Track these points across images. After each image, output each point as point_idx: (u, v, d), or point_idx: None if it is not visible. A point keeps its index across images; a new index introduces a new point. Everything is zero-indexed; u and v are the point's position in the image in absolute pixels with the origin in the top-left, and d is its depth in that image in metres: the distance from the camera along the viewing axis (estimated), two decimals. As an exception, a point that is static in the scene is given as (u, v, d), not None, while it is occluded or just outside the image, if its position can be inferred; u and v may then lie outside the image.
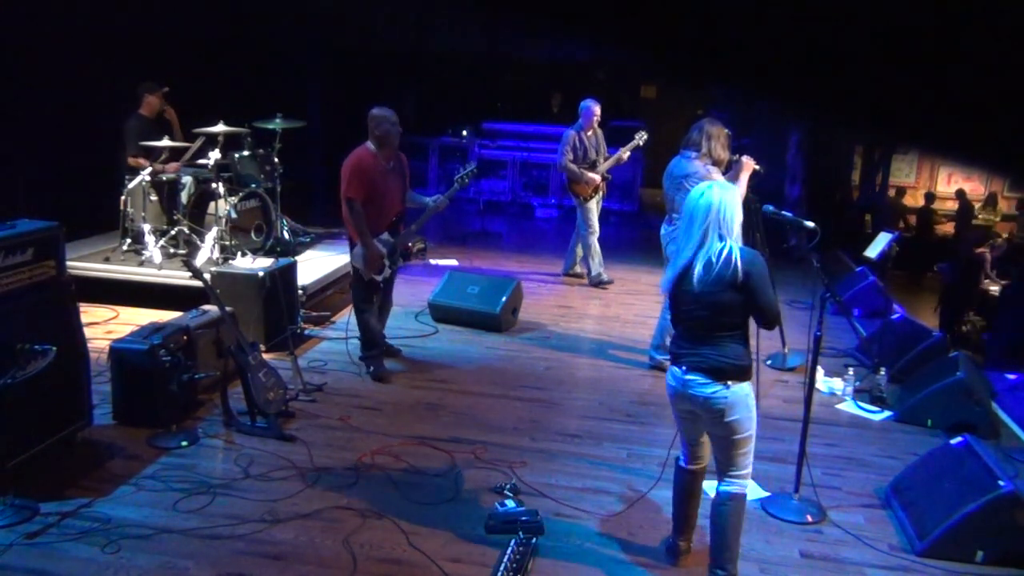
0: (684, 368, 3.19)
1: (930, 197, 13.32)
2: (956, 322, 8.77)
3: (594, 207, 7.89)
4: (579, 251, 8.23)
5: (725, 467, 3.27)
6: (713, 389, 3.12)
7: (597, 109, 7.78)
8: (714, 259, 3.08)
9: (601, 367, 5.97)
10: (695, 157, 5.09)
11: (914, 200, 13.88)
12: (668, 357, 3.53)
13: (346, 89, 11.27)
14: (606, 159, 7.92)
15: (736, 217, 3.13)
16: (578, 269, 8.36)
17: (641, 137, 7.89)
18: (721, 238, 3.10)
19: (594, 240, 7.98)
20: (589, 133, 7.80)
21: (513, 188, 12.44)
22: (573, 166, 7.73)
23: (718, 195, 3.12)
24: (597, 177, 7.80)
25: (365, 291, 5.47)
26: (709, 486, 3.98)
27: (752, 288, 3.08)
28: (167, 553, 3.41)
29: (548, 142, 12.45)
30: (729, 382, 3.12)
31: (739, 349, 3.16)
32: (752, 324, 3.23)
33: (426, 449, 4.48)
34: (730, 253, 3.08)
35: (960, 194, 13.19)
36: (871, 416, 5.25)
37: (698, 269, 3.10)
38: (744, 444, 3.21)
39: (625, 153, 7.93)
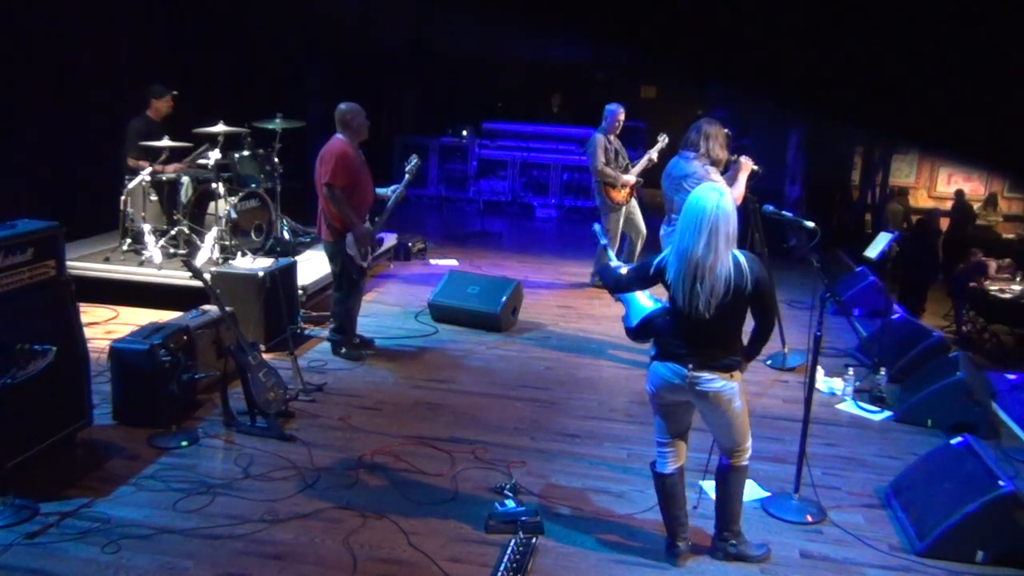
0: (691, 366, 3.28)
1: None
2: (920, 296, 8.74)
3: (621, 216, 7.67)
4: (636, 250, 7.92)
5: (732, 449, 3.46)
6: (721, 384, 3.28)
7: (622, 115, 7.62)
8: (731, 273, 3.16)
9: (601, 367, 5.97)
10: (693, 158, 5.09)
11: (914, 200, 13.85)
12: None
13: (346, 89, 11.26)
14: (631, 164, 7.74)
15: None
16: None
17: (664, 140, 7.74)
18: (731, 253, 3.19)
19: (615, 248, 7.86)
20: (612, 137, 7.65)
21: (513, 188, 12.44)
22: (609, 169, 7.52)
23: (727, 208, 3.17)
24: (632, 179, 7.61)
25: (352, 282, 5.65)
26: (709, 486, 3.99)
27: (762, 293, 3.26)
28: (167, 553, 3.41)
29: (548, 142, 12.48)
30: (732, 374, 3.30)
31: (739, 343, 3.36)
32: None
33: (426, 449, 4.48)
34: (739, 263, 3.20)
35: (959, 194, 13.16)
36: (871, 416, 5.25)
37: (718, 284, 3.15)
38: (745, 421, 3.43)
39: (654, 155, 7.73)
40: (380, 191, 5.79)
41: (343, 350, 5.83)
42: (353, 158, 5.43)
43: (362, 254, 5.58)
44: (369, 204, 5.65)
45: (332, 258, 5.70)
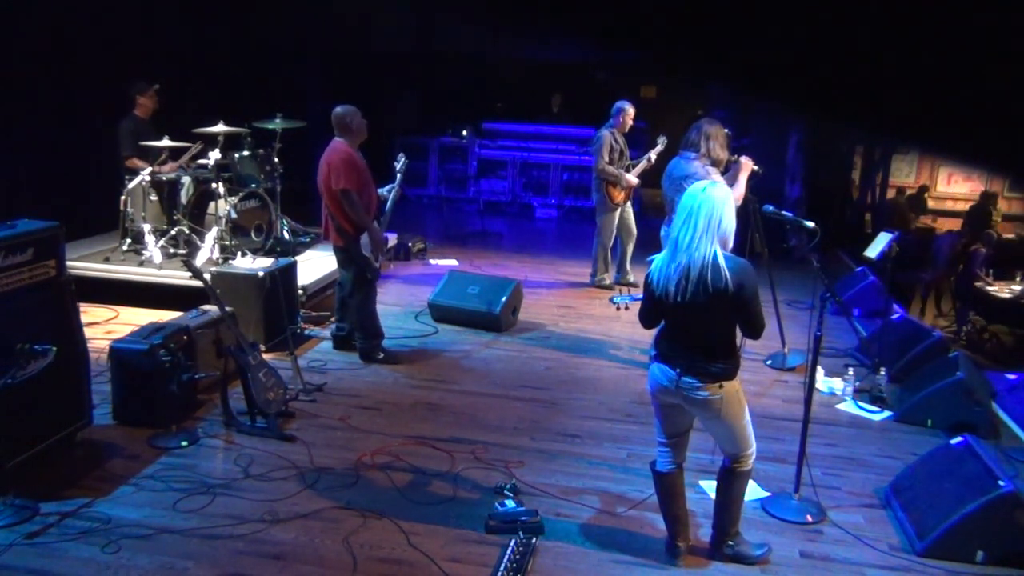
0: (678, 371, 3.24)
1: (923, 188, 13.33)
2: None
3: (618, 215, 7.69)
4: (627, 252, 8.00)
5: (734, 454, 3.42)
6: (707, 393, 3.22)
7: (631, 112, 7.59)
8: (706, 267, 3.10)
9: (601, 367, 5.97)
10: (694, 158, 5.08)
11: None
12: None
13: (346, 89, 11.25)
14: (632, 164, 7.74)
15: (730, 223, 3.17)
16: (631, 278, 8.09)
17: (663, 142, 7.78)
18: (711, 243, 3.12)
19: (610, 246, 7.88)
20: (618, 135, 7.60)
21: (513, 188, 12.44)
22: (611, 168, 7.49)
23: (714, 198, 3.15)
24: (634, 179, 7.61)
25: (369, 284, 5.63)
26: (709, 486, 3.99)
27: (744, 300, 3.14)
28: (167, 553, 3.41)
29: (548, 142, 12.48)
30: (723, 382, 3.22)
31: (730, 351, 3.27)
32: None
33: (426, 449, 4.48)
34: (716, 261, 3.11)
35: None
36: (871, 416, 5.25)
37: (690, 276, 3.12)
38: (744, 428, 3.37)
39: (652, 156, 7.75)
40: (378, 191, 5.78)
41: (380, 355, 5.76)
42: (359, 160, 5.42)
43: (375, 255, 5.56)
44: (375, 205, 5.63)
45: (344, 264, 5.67)
